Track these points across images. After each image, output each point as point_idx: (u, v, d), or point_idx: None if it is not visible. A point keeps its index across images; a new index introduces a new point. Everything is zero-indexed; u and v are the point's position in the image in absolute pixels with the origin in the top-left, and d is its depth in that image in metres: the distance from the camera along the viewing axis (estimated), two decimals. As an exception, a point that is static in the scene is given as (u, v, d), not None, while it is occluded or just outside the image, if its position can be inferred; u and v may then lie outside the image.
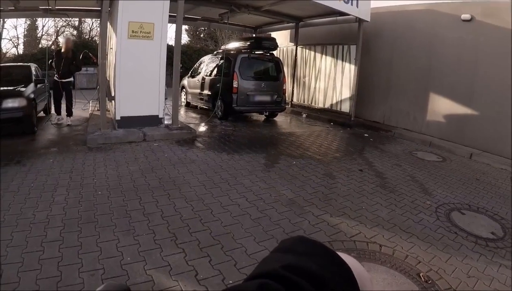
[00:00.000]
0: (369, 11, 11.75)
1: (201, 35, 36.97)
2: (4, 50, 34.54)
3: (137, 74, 8.77)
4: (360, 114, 12.86)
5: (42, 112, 11.44)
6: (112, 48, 9.90)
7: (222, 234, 4.21)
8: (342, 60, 13.35)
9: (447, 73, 10.29)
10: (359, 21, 11.85)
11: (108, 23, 9.92)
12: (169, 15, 9.03)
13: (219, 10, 13.73)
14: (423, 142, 10.24)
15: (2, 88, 9.19)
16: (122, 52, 8.63)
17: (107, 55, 9.74)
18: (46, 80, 11.10)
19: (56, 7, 13.29)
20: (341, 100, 13.45)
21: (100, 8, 13.91)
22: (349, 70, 12.92)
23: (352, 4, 11.09)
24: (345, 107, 13.13)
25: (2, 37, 34.28)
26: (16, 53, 33.48)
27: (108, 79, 9.76)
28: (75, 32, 36.04)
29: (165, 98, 9.47)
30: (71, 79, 10.65)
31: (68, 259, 3.62)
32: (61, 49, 10.38)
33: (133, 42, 8.65)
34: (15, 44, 35.95)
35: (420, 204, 5.64)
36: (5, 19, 30.03)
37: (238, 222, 4.52)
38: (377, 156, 8.52)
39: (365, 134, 10.82)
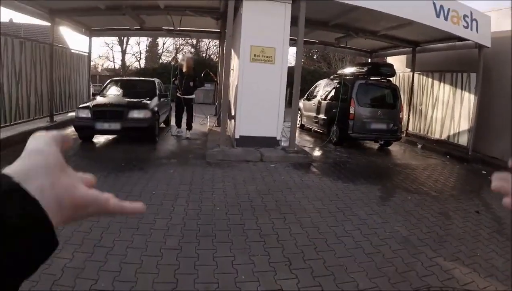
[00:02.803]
0: (489, 36, 10.85)
1: (314, 57, 37.13)
2: (127, 64, 37.72)
3: (257, 96, 8.99)
4: (478, 148, 11.82)
5: (163, 123, 12.14)
6: (233, 70, 10.25)
7: (335, 265, 4.06)
8: (461, 89, 12.44)
9: None
10: (479, 47, 10.97)
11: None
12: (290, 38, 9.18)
13: (336, 34, 13.70)
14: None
15: (129, 99, 9.96)
16: (244, 74, 8.93)
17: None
18: (168, 95, 11.80)
19: (179, 28, 14.18)
20: (458, 132, 12.50)
21: (219, 30, 14.64)
22: (468, 100, 11.99)
23: (471, 29, 10.38)
24: (463, 140, 12.17)
25: (126, 52, 37.48)
26: (138, 67, 36.39)
27: (228, 99, 10.07)
28: (193, 50, 38.21)
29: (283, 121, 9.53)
30: (193, 96, 11.30)
31: (185, 268, 3.74)
32: (182, 68, 10.98)
33: (255, 65, 8.92)
34: (138, 58, 39.17)
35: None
36: (130, 37, 32.83)
37: (351, 255, 4.33)
38: (495, 197, 7.74)
39: (483, 171, 9.97)
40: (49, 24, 12.42)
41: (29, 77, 11.06)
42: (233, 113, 9.53)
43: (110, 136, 10.61)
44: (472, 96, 11.70)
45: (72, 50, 14.93)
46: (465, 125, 12.08)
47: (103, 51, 36.16)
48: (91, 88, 16.80)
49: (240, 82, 8.96)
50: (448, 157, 11.52)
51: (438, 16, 9.80)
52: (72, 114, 12.51)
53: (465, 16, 10.27)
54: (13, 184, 0.45)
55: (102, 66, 38.34)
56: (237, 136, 9.12)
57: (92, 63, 17.71)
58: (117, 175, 6.90)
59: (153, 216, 4.95)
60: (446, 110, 13.11)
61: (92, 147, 9.92)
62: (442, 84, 13.38)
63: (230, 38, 9.45)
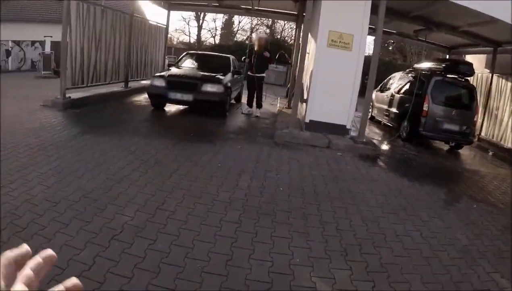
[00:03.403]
0: None
1: (390, 48, 36.08)
2: (203, 39, 38.43)
3: (331, 82, 8.83)
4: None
5: (234, 100, 12.26)
6: (309, 54, 10.11)
7: (391, 263, 3.93)
8: None
9: None
10: None
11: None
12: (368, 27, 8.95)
13: (415, 26, 13.17)
14: None
15: (203, 73, 10.11)
16: (320, 59, 8.79)
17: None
18: (242, 72, 11.87)
19: (257, 8, 14.17)
20: None
21: (296, 13, 14.51)
22: None
23: None
24: None
25: (202, 28, 38.16)
26: (213, 43, 36.95)
27: (302, 82, 9.97)
28: (268, 31, 38.26)
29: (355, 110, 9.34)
30: (264, 74, 11.27)
31: (242, 243, 3.77)
32: (254, 47, 11.00)
33: (332, 51, 8.74)
34: (213, 35, 39.80)
35: None
36: (206, 13, 33.36)
37: (408, 256, 4.17)
38: None
39: (556, 188, 9.32)
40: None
41: (108, 43, 11.50)
42: (305, 97, 9.44)
43: (181, 107, 10.88)
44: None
45: (151, 22, 15.33)
46: (542, 136, 11.36)
47: (180, 25, 37.15)
48: (166, 59, 17.23)
49: (315, 67, 8.84)
50: (519, 168, 10.90)
51: None
52: (146, 82, 12.93)
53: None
54: None
55: (178, 39, 39.30)
56: (307, 120, 9.04)
57: (168, 36, 18.08)
58: (186, 144, 7.07)
59: (216, 188, 5.02)
60: None
61: (163, 114, 10.23)
62: None
63: (308, 21, 9.33)
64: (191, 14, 36.31)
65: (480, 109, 13.37)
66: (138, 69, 14.15)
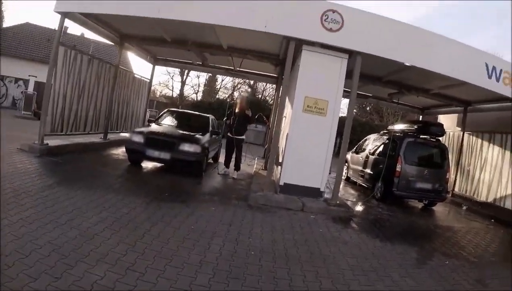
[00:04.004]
0: None
1: (367, 108, 37.01)
2: (185, 94, 38.88)
3: (306, 146, 9.08)
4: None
5: (211, 159, 12.37)
6: (285, 117, 10.44)
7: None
8: (511, 151, 12.24)
9: None
10: None
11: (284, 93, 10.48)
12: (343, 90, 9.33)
13: (389, 90, 13.87)
14: None
15: (182, 131, 10.28)
16: (296, 123, 9.08)
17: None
18: (220, 132, 12.09)
19: (238, 69, 14.64)
20: (505, 196, 12.17)
21: (276, 76, 15.01)
22: None
23: None
24: (509, 204, 11.82)
25: (186, 83, 38.69)
26: (195, 99, 37.40)
27: (278, 145, 10.19)
28: (249, 90, 38.95)
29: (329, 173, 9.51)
30: (243, 137, 11.46)
31: None
32: (236, 107, 11.32)
33: (307, 116, 9.05)
34: (196, 91, 40.35)
35: None
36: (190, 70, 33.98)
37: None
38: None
39: (529, 238, 9.54)
40: (117, 46, 13.12)
41: (91, 92, 11.72)
42: (280, 160, 9.62)
43: (158, 164, 10.93)
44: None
45: (135, 75, 15.64)
46: (513, 189, 11.77)
47: (164, 78, 37.65)
48: (147, 113, 17.40)
49: (290, 131, 9.10)
50: (493, 220, 11.20)
51: (490, 77, 9.83)
52: (125, 134, 13.03)
53: (517, 77, 10.26)
54: None
55: (161, 92, 39.65)
56: (281, 183, 9.17)
57: (152, 88, 18.38)
58: (160, 204, 7.09)
59: (188, 250, 5.03)
60: (494, 172, 12.90)
61: (140, 171, 10.27)
62: (491, 145, 13.25)
63: (286, 87, 9.75)
64: (176, 69, 36.87)
65: (453, 166, 13.85)
66: (118, 121, 14.29)
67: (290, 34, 8.84)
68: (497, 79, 9.89)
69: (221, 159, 12.34)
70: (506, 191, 12.19)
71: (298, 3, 8.78)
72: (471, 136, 14.33)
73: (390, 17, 9.14)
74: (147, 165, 10.88)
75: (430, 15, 77.42)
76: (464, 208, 12.73)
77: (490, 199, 12.90)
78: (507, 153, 12.43)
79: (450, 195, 13.99)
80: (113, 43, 13.38)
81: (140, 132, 9.97)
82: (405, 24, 9.28)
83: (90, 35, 33.99)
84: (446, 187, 11.88)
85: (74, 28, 63.10)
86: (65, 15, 9.60)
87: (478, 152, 13.83)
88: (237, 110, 11.19)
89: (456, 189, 14.65)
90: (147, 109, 17.85)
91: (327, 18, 8.70)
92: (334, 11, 8.72)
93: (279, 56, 11.91)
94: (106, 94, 12.83)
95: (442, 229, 9.55)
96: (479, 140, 13.85)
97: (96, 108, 12.30)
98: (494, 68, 9.83)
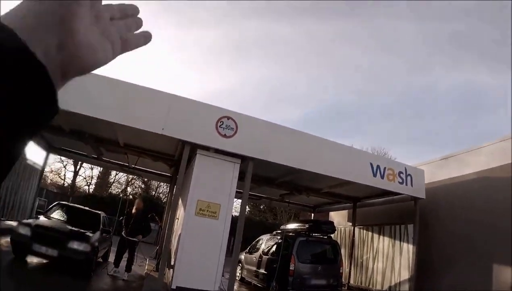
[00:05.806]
0: (424, 188, 11.93)
1: (261, 207, 37.59)
2: (77, 185, 37.10)
3: (198, 248, 9.09)
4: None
5: (101, 258, 11.82)
6: (178, 219, 10.48)
7: None
8: (400, 240, 13.11)
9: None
10: (415, 199, 12.02)
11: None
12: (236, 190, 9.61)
13: (281, 191, 14.62)
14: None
15: (72, 228, 9.83)
16: (188, 226, 9.13)
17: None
18: (111, 230, 11.79)
19: (133, 166, 14.62)
20: (399, 282, 12.82)
21: (171, 175, 15.17)
22: (407, 251, 12.55)
23: (406, 184, 11.53)
24: (404, 289, 12.45)
25: (79, 174, 37.07)
26: (87, 192, 35.86)
27: (170, 247, 10.13)
28: (143, 186, 38.36)
29: (222, 275, 9.50)
30: (137, 239, 11.10)
31: None
32: (132, 209, 11.12)
33: (199, 219, 9.17)
34: (88, 183, 38.64)
35: None
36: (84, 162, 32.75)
37: None
38: None
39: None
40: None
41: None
42: (172, 262, 9.47)
43: (45, 260, 10.22)
44: (411, 246, 12.27)
45: (27, 161, 14.84)
46: (405, 274, 12.48)
47: (57, 167, 35.42)
48: (36, 202, 16.46)
49: (182, 233, 9.09)
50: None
51: (375, 175, 10.92)
52: (11, 223, 12.16)
53: (400, 172, 11.54)
54: (20, 44, 0.39)
55: (52, 181, 37.35)
56: (173, 286, 8.96)
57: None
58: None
59: None
60: (387, 261, 13.61)
61: (24, 266, 9.53)
62: (381, 236, 14.08)
63: (179, 189, 9.91)
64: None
65: (346, 259, 14.43)
66: (5, 208, 13.34)
67: (186, 139, 9.16)
68: (382, 176, 11.03)
69: (111, 258, 11.83)
70: (399, 277, 12.86)
71: (195, 110, 9.20)
72: (362, 230, 15.19)
73: (281, 125, 9.87)
74: (33, 259, 10.03)
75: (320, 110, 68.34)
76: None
77: (385, 287, 13.54)
78: (397, 242, 13.29)
79: (346, 288, 14.48)
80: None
81: (28, 224, 9.36)
82: (296, 131, 10.12)
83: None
84: (341, 280, 12.31)
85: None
86: None
87: (370, 243, 14.64)
88: (133, 211, 10.98)
89: (352, 281, 15.20)
90: (37, 198, 16.89)
91: (222, 124, 9.17)
92: (229, 118, 9.22)
93: (175, 157, 12.11)
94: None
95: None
96: (370, 233, 14.73)
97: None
98: (378, 166, 10.93)
